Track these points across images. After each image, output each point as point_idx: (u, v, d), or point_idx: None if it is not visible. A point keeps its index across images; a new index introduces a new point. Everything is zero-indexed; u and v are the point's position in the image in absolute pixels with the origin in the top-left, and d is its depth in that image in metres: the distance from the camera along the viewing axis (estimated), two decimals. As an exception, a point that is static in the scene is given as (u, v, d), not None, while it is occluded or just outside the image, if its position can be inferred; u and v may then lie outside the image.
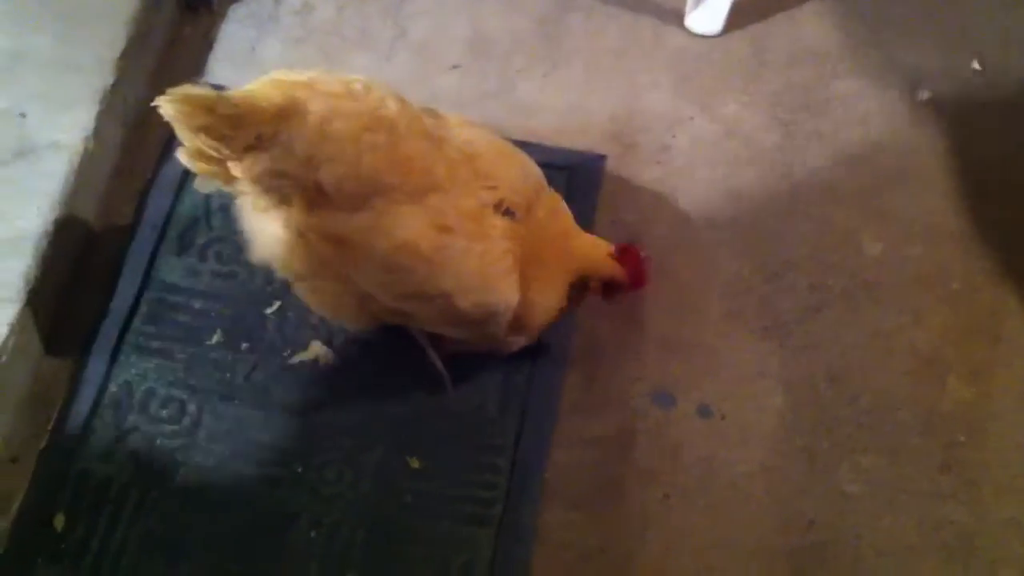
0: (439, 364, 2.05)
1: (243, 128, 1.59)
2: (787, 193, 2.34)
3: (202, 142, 1.60)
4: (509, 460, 2.00)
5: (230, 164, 1.64)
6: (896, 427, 2.07)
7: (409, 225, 1.67)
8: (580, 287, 1.89)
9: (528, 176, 1.83)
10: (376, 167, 1.65)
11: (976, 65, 2.51)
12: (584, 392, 2.09)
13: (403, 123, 1.70)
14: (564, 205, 1.90)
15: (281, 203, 1.69)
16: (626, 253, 1.87)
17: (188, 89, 1.57)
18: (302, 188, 1.65)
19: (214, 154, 1.62)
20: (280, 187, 1.66)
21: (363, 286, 1.77)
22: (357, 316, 1.89)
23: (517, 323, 1.82)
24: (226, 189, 1.71)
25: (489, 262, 1.72)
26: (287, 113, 1.61)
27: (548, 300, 1.85)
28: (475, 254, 1.71)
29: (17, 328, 1.94)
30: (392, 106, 1.71)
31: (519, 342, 1.93)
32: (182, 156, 1.64)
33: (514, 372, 2.08)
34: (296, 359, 2.08)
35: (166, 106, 1.56)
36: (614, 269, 1.87)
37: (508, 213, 1.75)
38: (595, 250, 1.87)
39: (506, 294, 1.76)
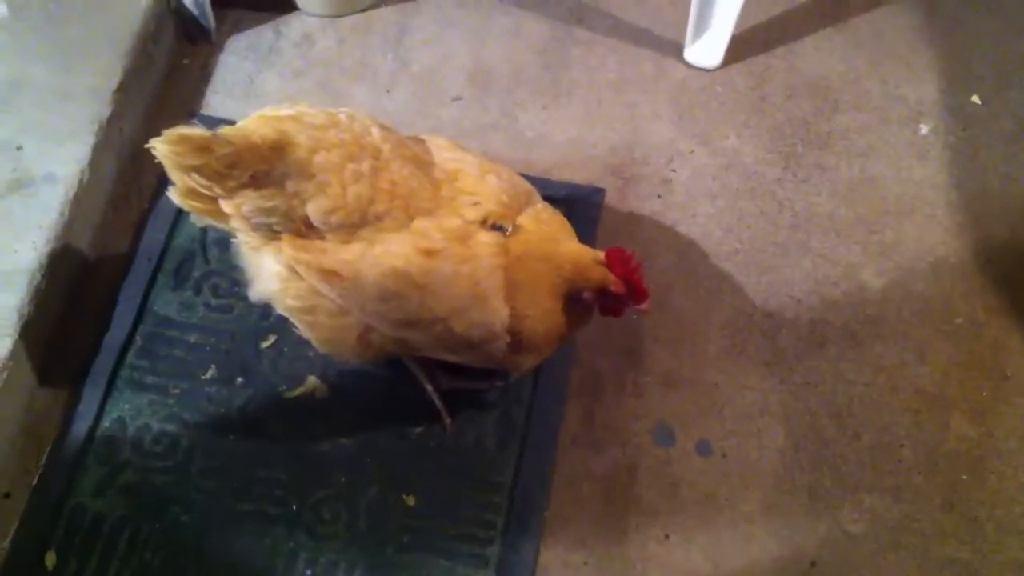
0: (436, 399, 2.03)
1: (238, 167, 1.59)
2: (788, 227, 2.32)
3: (195, 182, 1.60)
4: (507, 497, 1.97)
5: (221, 202, 1.64)
6: (899, 465, 2.05)
7: (396, 252, 1.66)
8: (576, 300, 1.81)
9: (515, 189, 1.80)
10: (361, 196, 1.65)
11: (976, 99, 2.50)
12: (584, 427, 2.07)
13: (387, 149, 1.70)
14: (557, 214, 1.85)
15: (271, 239, 1.69)
16: (614, 257, 1.75)
17: (182, 130, 1.57)
18: (290, 223, 1.65)
19: (206, 192, 1.62)
20: (269, 223, 1.66)
21: (361, 317, 1.75)
22: (359, 349, 1.86)
23: (516, 341, 1.78)
24: (219, 227, 1.70)
25: (478, 281, 1.70)
26: (279, 148, 1.61)
27: (539, 311, 1.78)
28: (464, 275, 1.69)
29: (10, 362, 1.92)
30: (376, 133, 1.71)
31: (526, 362, 1.88)
32: (174, 195, 1.64)
33: (513, 407, 2.06)
34: (292, 394, 2.05)
35: (160, 147, 1.56)
36: (604, 275, 1.75)
37: (496, 228, 1.73)
38: (581, 255, 1.77)
39: (500, 311, 1.73)
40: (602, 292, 1.77)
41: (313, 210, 1.63)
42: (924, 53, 2.58)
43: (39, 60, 2.24)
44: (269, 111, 1.70)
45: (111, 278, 2.18)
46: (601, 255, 1.75)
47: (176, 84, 2.47)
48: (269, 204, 1.63)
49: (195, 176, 1.59)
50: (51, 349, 2.05)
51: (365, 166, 1.66)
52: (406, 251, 1.66)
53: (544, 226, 1.79)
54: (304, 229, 1.65)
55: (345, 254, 1.66)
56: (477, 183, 1.75)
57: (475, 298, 1.71)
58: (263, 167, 1.60)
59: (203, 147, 1.56)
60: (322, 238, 1.66)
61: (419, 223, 1.68)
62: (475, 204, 1.72)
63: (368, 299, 1.70)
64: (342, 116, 1.71)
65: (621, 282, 1.74)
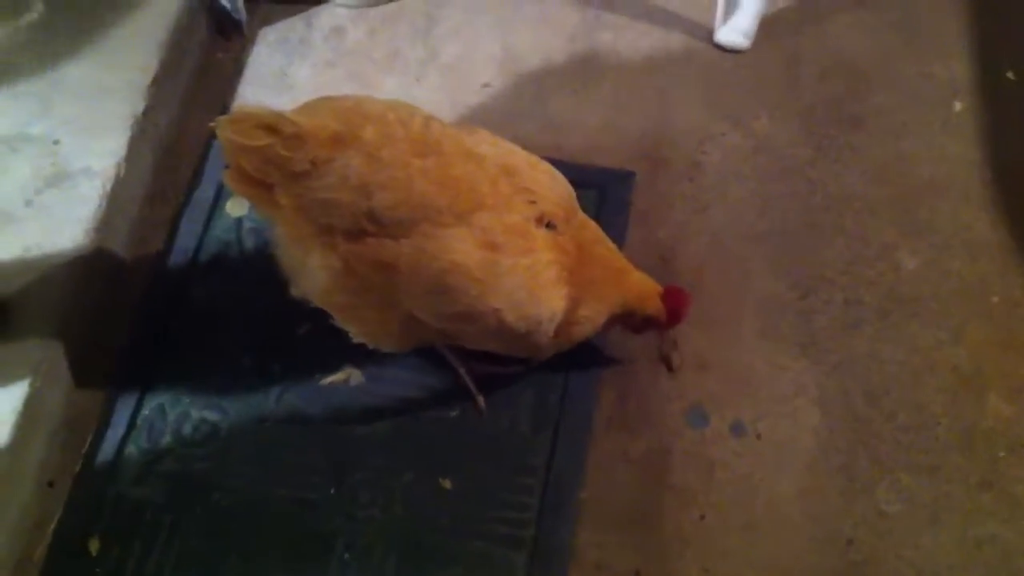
0: (471, 383, 2.05)
1: (300, 151, 1.61)
2: (821, 208, 2.31)
3: (254, 164, 1.62)
4: (542, 480, 1.98)
5: (277, 190, 1.66)
6: (935, 444, 2.04)
7: (457, 248, 1.67)
8: (619, 317, 1.91)
9: (563, 188, 1.82)
10: (426, 191, 1.66)
11: (1011, 75, 2.47)
12: (618, 410, 2.08)
13: (448, 145, 1.71)
14: (604, 236, 1.90)
15: (325, 231, 1.69)
16: (674, 295, 1.91)
17: (248, 108, 1.59)
18: (351, 216, 1.66)
19: (263, 177, 1.64)
20: (328, 215, 1.67)
21: (410, 310, 1.77)
22: (400, 340, 1.89)
23: (559, 335, 1.81)
24: (264, 216, 1.71)
25: (535, 274, 1.72)
26: (343, 139, 1.63)
27: (595, 322, 1.86)
28: (522, 268, 1.71)
29: (51, 353, 1.95)
30: (436, 129, 1.72)
31: (553, 351, 1.92)
32: (227, 178, 1.66)
33: (547, 391, 2.07)
34: (327, 380, 2.07)
35: (224, 125, 1.58)
36: (659, 308, 1.90)
37: (549, 226, 1.75)
38: (649, 289, 1.90)
39: (552, 304, 1.75)
40: (647, 318, 1.91)
41: (379, 204, 1.64)
42: (957, 30, 2.55)
43: (75, 56, 2.27)
44: (329, 98, 1.73)
45: (149, 270, 2.21)
46: (661, 289, 1.90)
47: (210, 77, 2.50)
48: (332, 196, 1.64)
49: (257, 158, 1.61)
50: (91, 340, 2.08)
51: (430, 162, 1.67)
52: (466, 246, 1.67)
53: (602, 243, 1.88)
54: (365, 223, 1.66)
55: (404, 247, 1.67)
56: (532, 181, 1.76)
57: (531, 291, 1.72)
58: (323, 154, 1.62)
59: (269, 126, 1.59)
60: (379, 232, 1.67)
61: (479, 218, 1.69)
62: (531, 202, 1.74)
63: (423, 292, 1.72)
64: (403, 111, 1.72)
65: (669, 315, 1.91)
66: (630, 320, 1.93)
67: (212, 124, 1.62)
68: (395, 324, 1.81)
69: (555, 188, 1.79)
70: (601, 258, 1.84)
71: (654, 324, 1.94)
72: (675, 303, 1.91)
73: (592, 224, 1.88)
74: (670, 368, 2.09)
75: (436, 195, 1.66)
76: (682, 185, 2.34)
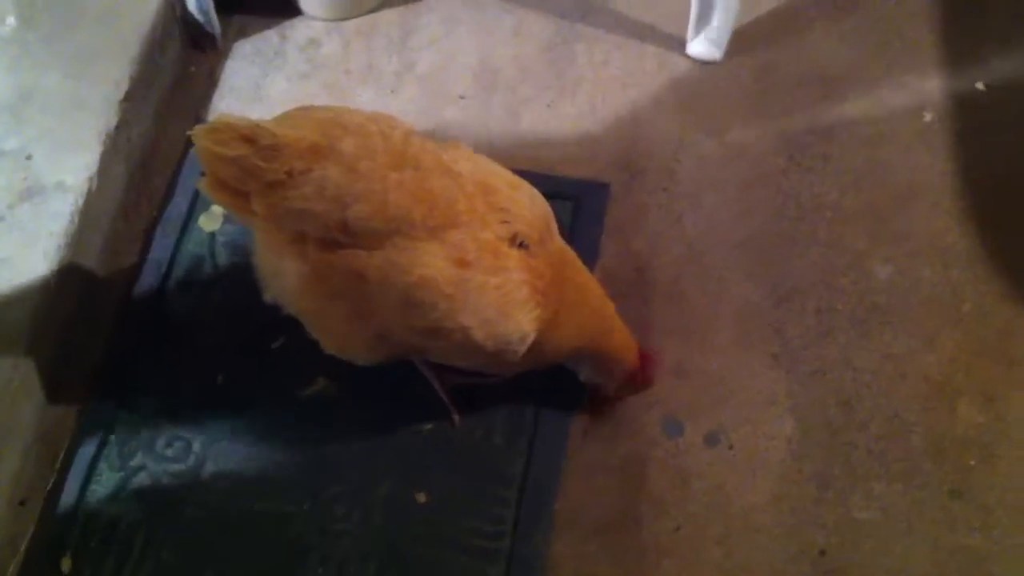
0: (444, 395, 2.05)
1: (277, 161, 1.62)
2: (794, 216, 2.33)
3: (230, 173, 1.63)
4: (518, 491, 1.99)
5: (253, 199, 1.67)
6: (908, 453, 2.05)
7: (428, 262, 1.67)
8: (591, 355, 1.94)
9: (540, 210, 1.83)
10: (402, 205, 1.66)
11: (981, 85, 2.49)
12: (595, 420, 2.08)
13: (426, 160, 1.72)
14: (587, 271, 1.92)
15: (298, 240, 1.70)
16: (647, 361, 1.95)
17: (226, 117, 1.61)
18: (324, 226, 1.67)
19: (239, 186, 1.65)
20: (303, 224, 1.68)
21: (380, 321, 1.77)
22: (369, 351, 1.89)
23: (529, 356, 1.82)
24: (239, 223, 1.72)
25: (506, 293, 1.72)
26: (320, 150, 1.64)
27: (565, 347, 1.88)
28: (492, 287, 1.71)
29: (23, 370, 1.95)
30: (416, 143, 1.73)
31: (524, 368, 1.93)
32: (203, 186, 1.68)
33: (522, 402, 2.07)
34: (302, 394, 2.08)
35: (201, 134, 1.60)
36: (634, 365, 1.94)
37: (522, 246, 1.75)
38: (630, 352, 1.93)
39: (522, 324, 1.75)
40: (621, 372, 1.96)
41: (353, 215, 1.65)
42: (930, 41, 2.57)
43: (48, 70, 2.26)
44: (307, 109, 1.75)
45: (122, 284, 2.21)
46: (636, 346, 1.93)
47: (184, 90, 2.50)
48: (307, 206, 1.65)
49: (234, 167, 1.62)
50: (64, 355, 2.07)
51: (407, 175, 1.68)
52: (437, 261, 1.68)
53: (580, 275, 1.89)
54: (338, 233, 1.67)
55: (375, 259, 1.68)
56: (509, 201, 1.77)
57: (501, 309, 1.73)
58: (300, 165, 1.63)
59: (246, 136, 1.60)
60: (352, 243, 1.68)
61: (453, 234, 1.69)
62: (505, 222, 1.74)
63: (393, 305, 1.72)
64: (382, 123, 1.73)
65: (638, 377, 1.96)
66: (602, 365, 1.95)
67: (189, 133, 1.63)
68: (365, 336, 1.82)
69: (532, 209, 1.80)
70: (579, 286, 1.86)
71: (624, 379, 1.96)
72: (647, 365, 1.95)
73: (571, 253, 1.89)
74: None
75: (410, 209, 1.67)
76: (657, 195, 2.35)
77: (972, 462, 2.04)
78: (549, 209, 1.85)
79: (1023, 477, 2.02)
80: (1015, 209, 2.33)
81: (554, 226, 1.86)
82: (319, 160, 1.64)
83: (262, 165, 1.62)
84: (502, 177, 1.82)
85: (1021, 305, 2.20)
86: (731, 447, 2.05)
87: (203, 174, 1.69)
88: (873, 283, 2.24)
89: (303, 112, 1.76)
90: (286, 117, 1.73)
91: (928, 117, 2.44)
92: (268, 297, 1.84)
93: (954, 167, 2.37)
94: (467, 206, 1.72)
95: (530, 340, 1.77)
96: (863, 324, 2.19)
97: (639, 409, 2.09)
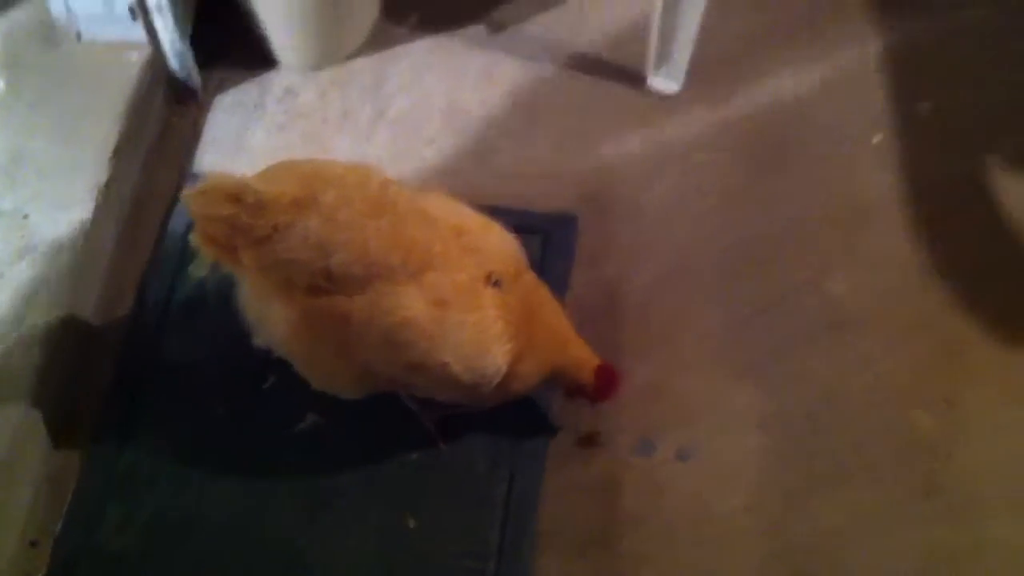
0: (431, 426, 2.15)
1: (263, 217, 1.74)
2: (756, 238, 2.44)
3: (220, 231, 1.76)
4: (501, 514, 2.08)
5: (242, 252, 1.79)
6: (874, 458, 2.14)
7: (409, 304, 1.79)
8: (556, 377, 2.02)
9: (511, 249, 1.95)
10: (381, 251, 1.78)
11: (925, 105, 2.62)
12: (570, 442, 2.17)
13: (402, 207, 1.84)
14: (552, 298, 2.01)
15: (285, 287, 1.81)
16: (605, 372, 2.00)
17: (214, 179, 1.75)
18: (309, 274, 1.78)
19: (229, 241, 1.78)
20: (289, 273, 1.79)
21: (364, 360, 1.88)
22: (355, 387, 2.00)
23: (501, 388, 1.92)
24: (230, 272, 1.84)
25: (482, 330, 1.83)
26: (302, 204, 1.75)
27: (533, 379, 1.97)
28: (469, 324, 1.82)
29: (29, 418, 2.05)
30: (392, 191, 1.85)
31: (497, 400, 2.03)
32: (195, 241, 1.81)
33: (501, 429, 2.17)
34: (295, 429, 2.17)
35: (192, 198, 1.74)
36: (591, 381, 2.00)
37: (495, 284, 1.86)
38: (585, 358, 2.00)
39: (497, 359, 1.86)
40: (579, 386, 2.03)
41: (336, 263, 1.76)
42: (875, 66, 2.71)
43: (38, 132, 2.37)
44: (290, 163, 1.88)
45: (119, 331, 2.31)
46: (597, 362, 1.99)
47: (169, 144, 2.61)
48: (292, 256, 1.77)
49: (223, 225, 1.75)
50: (67, 401, 2.17)
51: (384, 223, 1.80)
52: (418, 303, 1.79)
53: (550, 308, 1.99)
54: (322, 280, 1.79)
55: (359, 303, 1.79)
56: (482, 242, 1.89)
57: (478, 345, 1.84)
58: (286, 219, 1.75)
59: (233, 196, 1.72)
60: (336, 288, 1.80)
61: (430, 276, 1.81)
62: (480, 263, 1.86)
63: (376, 345, 1.84)
64: (361, 173, 1.86)
65: (596, 390, 2.02)
66: (563, 382, 2.04)
67: (185, 194, 1.77)
68: (351, 373, 1.93)
69: (503, 249, 1.92)
70: (544, 319, 1.96)
71: (583, 393, 2.05)
72: (605, 380, 2.01)
73: (540, 285, 2.00)
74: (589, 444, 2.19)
75: (389, 254, 1.78)
76: (623, 224, 2.47)
77: (936, 464, 2.13)
78: (518, 247, 1.96)
79: (985, 473, 2.11)
80: (963, 222, 2.45)
81: (524, 262, 1.97)
82: (302, 213, 1.75)
83: (249, 222, 1.74)
84: (474, 219, 1.93)
85: (970, 314, 2.30)
86: (702, 461, 2.15)
87: (192, 229, 1.81)
88: (832, 298, 2.34)
89: (285, 167, 1.87)
90: (269, 172, 1.85)
91: (877, 139, 2.57)
92: (258, 341, 1.94)
93: (904, 184, 2.49)
94: (442, 249, 1.83)
95: (503, 372, 1.87)
96: (824, 338, 2.29)
97: (613, 430, 2.18)
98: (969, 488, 2.11)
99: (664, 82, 2.65)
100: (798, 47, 2.75)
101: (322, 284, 1.79)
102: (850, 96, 2.66)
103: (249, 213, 1.74)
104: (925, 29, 2.77)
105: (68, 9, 2.47)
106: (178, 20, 2.50)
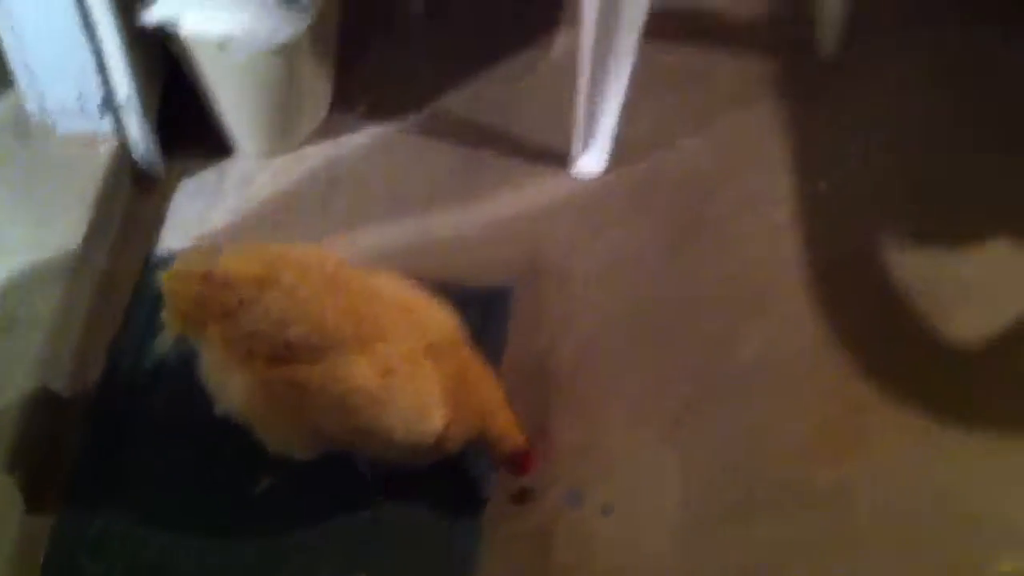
0: (375, 481, 2.31)
1: (230, 292, 1.96)
2: (676, 310, 2.65)
3: (191, 308, 1.99)
4: (445, 565, 2.24)
5: (210, 325, 2.00)
6: (787, 505, 2.31)
7: (359, 373, 1.98)
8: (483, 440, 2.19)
9: (451, 324, 2.15)
10: (336, 325, 1.99)
11: (823, 185, 2.88)
12: (507, 494, 2.33)
13: (355, 285, 2.08)
14: (486, 371, 2.20)
15: (247, 357, 2.01)
16: (522, 453, 2.18)
17: (186, 260, 2.02)
18: (270, 345, 1.99)
19: (199, 317, 2.00)
20: (251, 344, 1.99)
21: (317, 423, 2.08)
22: (308, 447, 2.19)
23: (436, 447, 2.11)
24: (193, 346, 2.05)
25: (423, 395, 2.03)
26: (265, 281, 1.97)
27: (461, 440, 2.15)
28: (411, 391, 2.02)
29: (2, 487, 2.18)
30: (345, 271, 2.09)
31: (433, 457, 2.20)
32: (165, 316, 2.02)
33: (444, 483, 2.32)
34: (254, 491, 2.32)
35: (166, 279, 1.99)
36: (508, 454, 2.18)
37: (437, 356, 2.06)
38: (509, 432, 2.16)
39: (435, 422, 2.04)
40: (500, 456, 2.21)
41: (294, 335, 1.97)
42: (780, 147, 2.97)
43: (14, 220, 2.57)
44: (256, 248, 2.13)
45: (89, 399, 2.47)
46: (519, 439, 2.17)
47: (135, 227, 2.79)
48: (255, 328, 1.97)
49: (193, 303, 1.98)
50: (40, 468, 2.30)
51: (339, 299, 2.02)
52: (368, 371, 1.99)
53: (478, 373, 2.17)
54: (282, 350, 1.99)
55: (315, 372, 1.99)
56: (424, 316, 2.11)
57: (419, 410, 2.03)
58: (251, 294, 1.96)
59: (203, 276, 1.96)
60: (294, 358, 1.99)
61: (380, 347, 2.01)
62: (422, 335, 2.06)
63: (329, 409, 2.04)
64: (318, 256, 2.12)
65: (509, 464, 2.21)
66: (488, 451, 2.21)
67: (161, 275, 2.00)
68: (304, 433, 2.13)
69: (443, 323, 2.13)
70: (477, 389, 2.14)
71: (503, 463, 2.23)
72: (519, 461, 2.19)
73: (475, 358, 2.18)
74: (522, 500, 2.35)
75: (343, 328, 2.00)
76: (554, 296, 2.67)
77: (838, 511, 2.30)
78: (457, 321, 2.17)
79: (882, 519, 2.28)
80: (861, 292, 2.69)
81: (462, 335, 2.18)
82: (265, 290, 1.97)
83: (217, 297, 1.96)
84: (418, 296, 2.15)
85: (870, 379, 2.50)
86: (626, 514, 2.30)
87: (159, 305, 2.03)
88: (742, 362, 2.54)
89: (250, 249, 2.12)
90: (236, 253, 2.07)
91: (780, 216, 2.82)
92: (219, 409, 2.12)
93: (807, 258, 2.72)
94: (390, 323, 2.05)
95: (439, 434, 2.06)
96: (736, 398, 2.48)
97: (546, 483, 2.33)
98: (874, 530, 2.27)
99: (589, 162, 2.90)
100: (710, 125, 3.02)
101: (282, 354, 1.99)
102: (757, 173, 2.91)
103: (217, 289, 1.96)
104: (820, 110, 3.06)
105: (42, 105, 2.67)
106: (143, 114, 2.71)
